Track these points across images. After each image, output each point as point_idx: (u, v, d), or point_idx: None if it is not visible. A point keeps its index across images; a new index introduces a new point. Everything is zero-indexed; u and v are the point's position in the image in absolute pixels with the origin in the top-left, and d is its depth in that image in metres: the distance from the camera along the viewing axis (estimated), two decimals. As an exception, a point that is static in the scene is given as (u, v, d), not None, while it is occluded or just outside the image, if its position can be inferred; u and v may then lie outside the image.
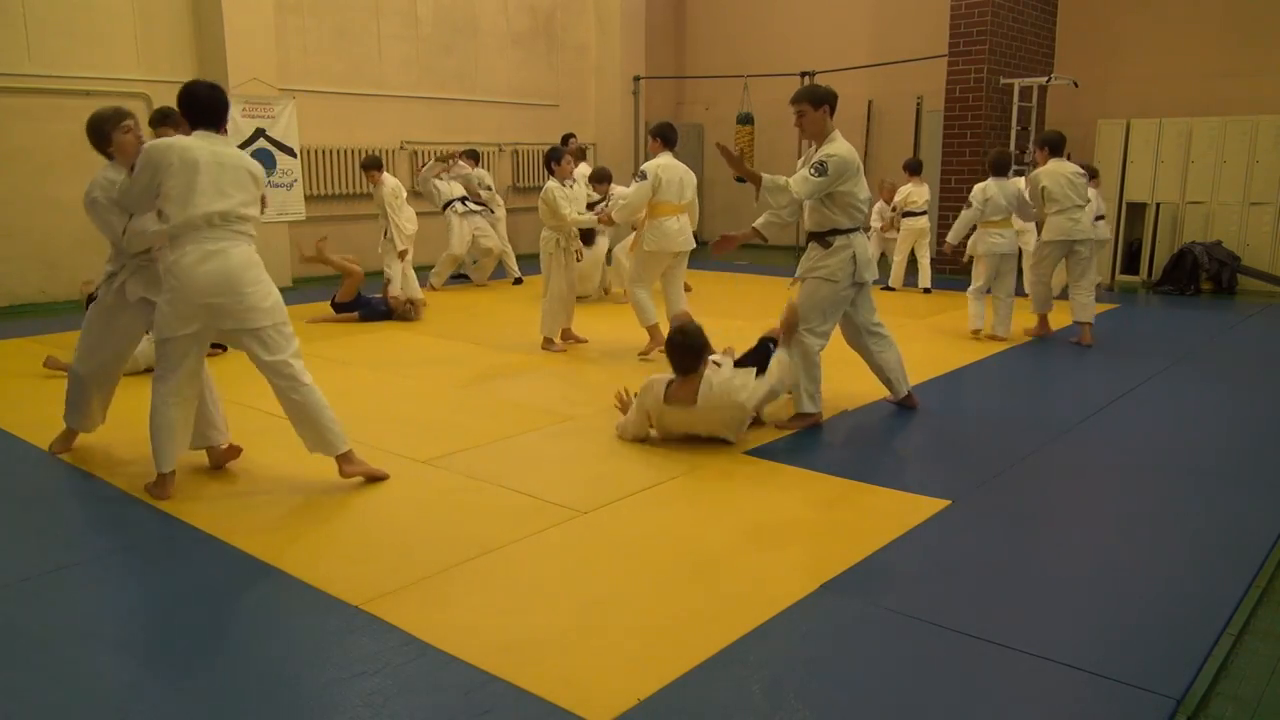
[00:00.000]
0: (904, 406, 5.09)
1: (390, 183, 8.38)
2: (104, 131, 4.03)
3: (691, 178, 6.35)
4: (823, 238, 4.70)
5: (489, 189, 9.79)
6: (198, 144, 3.64)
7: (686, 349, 4.31)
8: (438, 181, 9.52)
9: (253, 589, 3.02)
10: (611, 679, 2.45)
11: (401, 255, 8.33)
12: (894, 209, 9.51)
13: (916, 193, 9.30)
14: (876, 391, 5.33)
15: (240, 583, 3.07)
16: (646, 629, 2.72)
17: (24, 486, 4.01)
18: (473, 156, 9.91)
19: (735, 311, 8.13)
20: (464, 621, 2.76)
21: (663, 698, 2.36)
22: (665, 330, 6.01)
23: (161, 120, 6.31)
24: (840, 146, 4.59)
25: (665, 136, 6.28)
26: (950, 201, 10.67)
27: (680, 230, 6.22)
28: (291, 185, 9.82)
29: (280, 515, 3.61)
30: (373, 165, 8.49)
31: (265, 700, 2.38)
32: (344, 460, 3.87)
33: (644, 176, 6.15)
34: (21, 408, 5.10)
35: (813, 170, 4.51)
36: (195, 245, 3.59)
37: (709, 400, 4.27)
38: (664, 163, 6.18)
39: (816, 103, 4.59)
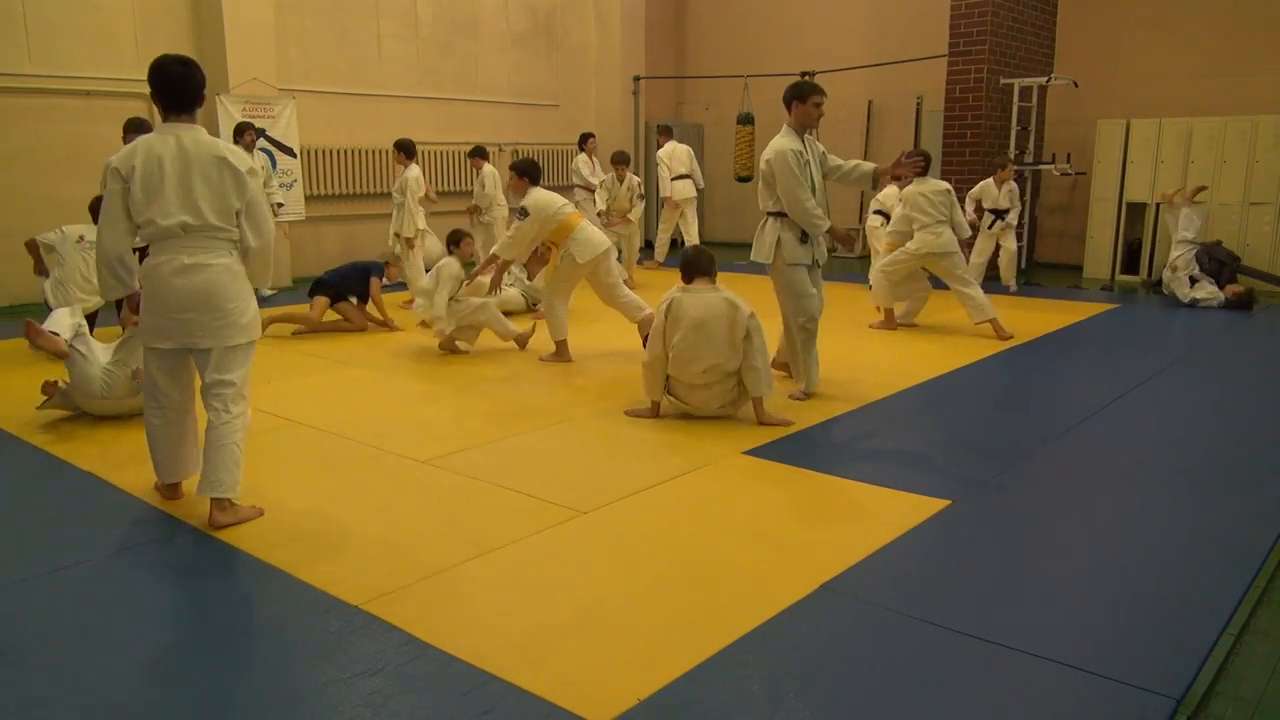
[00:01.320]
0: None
1: (415, 171, 8.44)
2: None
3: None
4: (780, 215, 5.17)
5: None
6: (161, 140, 3.33)
7: (699, 261, 4.80)
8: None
9: (253, 589, 3.02)
10: (611, 679, 2.45)
11: (410, 243, 8.37)
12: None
13: (888, 194, 9.31)
14: (876, 392, 5.33)
15: (240, 583, 3.07)
16: (646, 629, 2.72)
17: (24, 486, 4.01)
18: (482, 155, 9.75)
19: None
20: (464, 621, 2.76)
21: (663, 698, 2.36)
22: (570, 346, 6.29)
23: (136, 129, 6.32)
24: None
25: (529, 174, 6.26)
26: (950, 201, 10.67)
27: (595, 230, 6.29)
28: (291, 185, 9.83)
29: (281, 515, 3.61)
30: (407, 150, 8.48)
31: (265, 700, 2.38)
32: (218, 507, 3.44)
33: (524, 214, 6.12)
34: (22, 407, 5.10)
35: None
36: (170, 255, 3.35)
37: (725, 297, 4.68)
38: (539, 195, 6.16)
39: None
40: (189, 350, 3.48)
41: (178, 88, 3.36)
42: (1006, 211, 8.98)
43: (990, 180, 9.02)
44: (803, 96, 5.06)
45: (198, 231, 3.35)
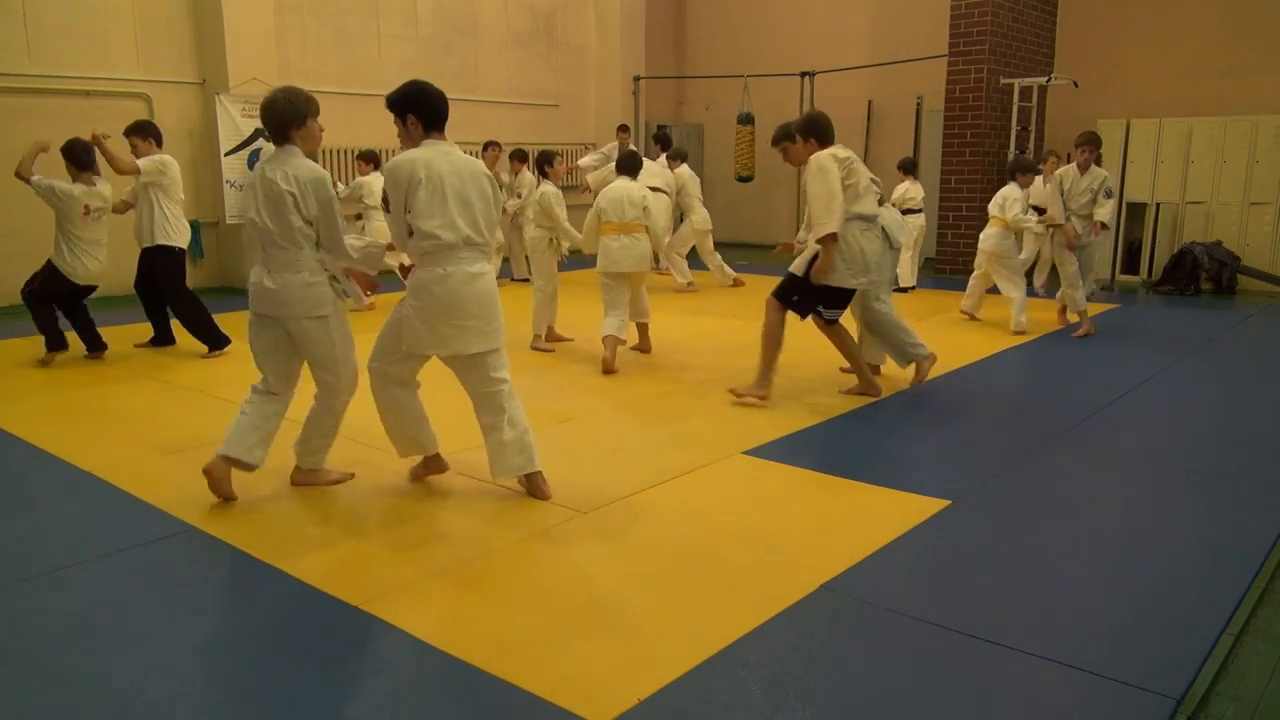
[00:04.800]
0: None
1: (379, 183, 8.46)
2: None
3: (639, 197, 6.14)
4: None
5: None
6: (436, 156, 3.48)
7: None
8: None
9: (253, 589, 3.02)
10: (611, 679, 2.45)
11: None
12: (893, 205, 9.51)
13: (913, 190, 9.30)
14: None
15: (240, 582, 3.07)
16: (646, 629, 2.72)
17: (24, 486, 4.01)
18: (521, 159, 9.67)
19: (738, 311, 8.14)
20: (464, 621, 2.76)
21: (663, 698, 2.36)
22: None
23: (134, 130, 6.31)
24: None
25: (627, 166, 6.31)
26: (950, 201, 10.68)
27: (620, 249, 6.04)
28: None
29: (280, 515, 3.61)
30: (369, 159, 8.55)
31: (265, 700, 2.38)
32: (532, 479, 3.76)
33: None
34: (22, 407, 5.10)
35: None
36: (456, 266, 3.51)
37: None
38: (611, 187, 6.21)
39: (804, 135, 5.08)
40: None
41: (439, 106, 3.55)
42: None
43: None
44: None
45: (478, 242, 3.59)
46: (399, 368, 3.75)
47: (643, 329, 6.41)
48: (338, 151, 10.49)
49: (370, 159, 8.81)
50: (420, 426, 3.86)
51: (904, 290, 9.24)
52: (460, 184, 3.50)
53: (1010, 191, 7.30)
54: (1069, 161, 7.41)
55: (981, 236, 7.48)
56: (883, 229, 5.13)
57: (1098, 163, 7.17)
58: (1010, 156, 10.43)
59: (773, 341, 5.12)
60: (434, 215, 3.45)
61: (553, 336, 6.74)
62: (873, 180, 5.11)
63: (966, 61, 10.30)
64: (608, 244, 6.07)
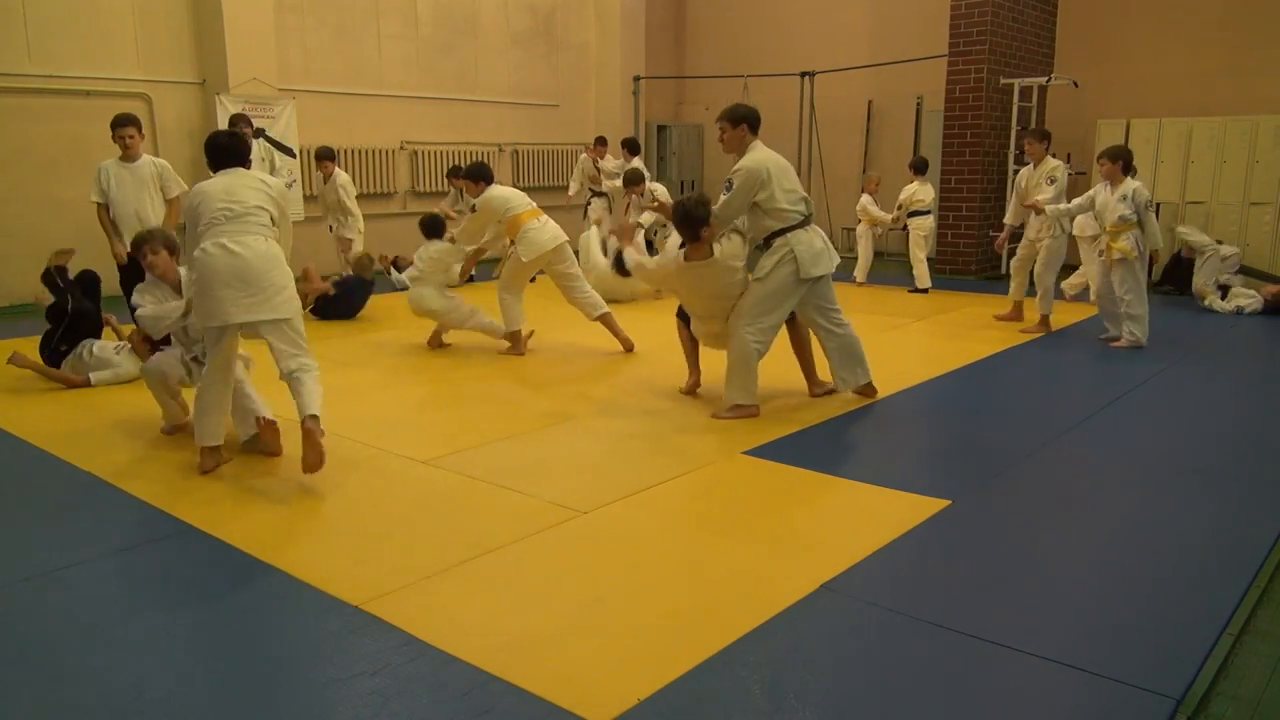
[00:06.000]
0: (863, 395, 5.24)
1: (343, 176, 8.59)
2: (141, 253, 4.42)
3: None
4: (767, 243, 4.87)
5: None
6: (212, 181, 3.99)
7: (687, 218, 4.82)
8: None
9: (253, 589, 3.02)
10: (611, 679, 2.45)
11: (347, 247, 8.46)
12: (899, 207, 9.50)
13: (922, 191, 9.29)
14: (877, 391, 5.32)
15: (240, 582, 3.07)
16: (647, 629, 2.72)
17: (25, 486, 4.01)
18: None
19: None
20: (464, 621, 2.76)
21: (663, 698, 2.36)
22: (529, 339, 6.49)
23: (132, 121, 6.30)
24: (748, 158, 4.81)
25: (482, 176, 6.36)
26: (950, 201, 10.68)
27: (544, 227, 6.26)
28: (290, 185, 9.81)
29: (280, 515, 3.61)
30: (325, 156, 8.64)
31: (265, 700, 2.38)
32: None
33: (474, 209, 6.37)
34: (22, 407, 5.10)
35: (724, 189, 4.84)
36: (211, 240, 3.81)
37: (722, 255, 4.84)
38: (492, 191, 6.30)
39: (735, 121, 4.88)
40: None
41: (226, 151, 4.07)
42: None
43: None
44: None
45: (241, 215, 3.89)
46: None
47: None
48: (336, 152, 10.46)
49: (328, 156, 8.81)
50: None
51: (921, 291, 9.26)
52: (228, 190, 3.91)
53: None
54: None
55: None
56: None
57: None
58: (1010, 157, 10.43)
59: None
60: (203, 218, 3.89)
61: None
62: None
63: (966, 61, 10.30)
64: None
